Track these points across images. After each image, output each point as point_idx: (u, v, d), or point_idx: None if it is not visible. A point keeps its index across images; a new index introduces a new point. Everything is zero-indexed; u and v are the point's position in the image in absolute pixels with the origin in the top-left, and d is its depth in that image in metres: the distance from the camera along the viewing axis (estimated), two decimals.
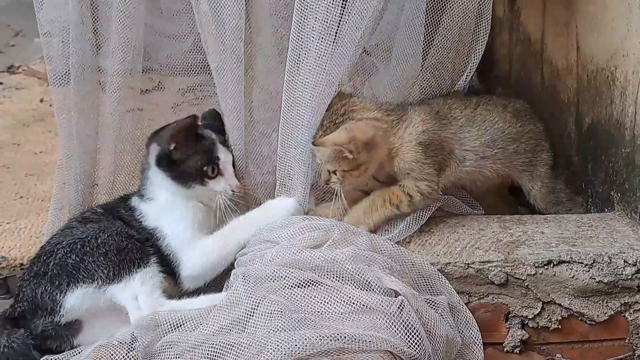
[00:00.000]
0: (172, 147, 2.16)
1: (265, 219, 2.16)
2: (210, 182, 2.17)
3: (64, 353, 1.97)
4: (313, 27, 2.05)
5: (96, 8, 2.31)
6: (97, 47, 2.35)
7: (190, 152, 2.16)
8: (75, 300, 1.98)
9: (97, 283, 1.98)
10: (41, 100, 3.64)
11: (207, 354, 1.75)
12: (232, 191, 2.17)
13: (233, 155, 2.24)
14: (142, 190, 2.21)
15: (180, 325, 1.91)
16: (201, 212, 2.18)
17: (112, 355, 1.87)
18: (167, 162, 2.17)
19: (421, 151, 2.12)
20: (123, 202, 2.24)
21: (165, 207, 2.17)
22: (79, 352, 1.95)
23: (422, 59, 2.32)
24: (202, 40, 2.27)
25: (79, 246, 2.01)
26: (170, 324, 1.92)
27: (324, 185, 2.17)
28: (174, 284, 2.11)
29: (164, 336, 1.88)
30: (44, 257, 2.04)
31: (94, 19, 2.31)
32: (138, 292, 1.98)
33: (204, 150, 2.18)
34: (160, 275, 2.06)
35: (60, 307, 1.98)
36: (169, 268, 2.10)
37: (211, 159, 2.17)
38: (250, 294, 1.86)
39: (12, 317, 2.01)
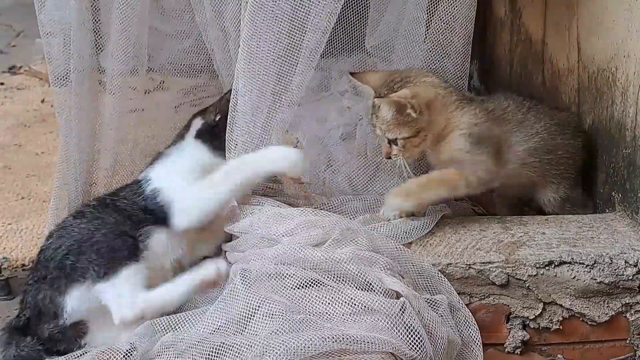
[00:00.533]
0: (217, 118, 2.24)
1: (263, 164, 2.12)
2: None
3: (64, 356, 1.96)
4: None
5: (97, 9, 2.32)
6: (98, 48, 2.35)
7: None
8: (75, 301, 1.98)
9: (88, 282, 1.97)
10: (42, 101, 3.65)
11: (206, 352, 1.75)
12: None
13: None
14: (159, 156, 2.27)
15: (177, 326, 1.91)
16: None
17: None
18: (209, 134, 2.24)
19: (471, 142, 2.11)
20: (121, 190, 2.24)
21: (173, 163, 2.22)
22: (79, 356, 1.95)
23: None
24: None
25: (75, 247, 2.01)
26: (167, 328, 1.92)
27: (386, 158, 2.15)
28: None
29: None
30: (45, 262, 2.04)
31: (94, 20, 2.32)
32: (121, 291, 1.97)
33: None
34: (148, 271, 2.04)
35: (62, 309, 1.98)
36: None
37: None
38: (251, 292, 1.87)
39: (17, 326, 2.01)
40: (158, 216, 2.12)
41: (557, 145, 2.29)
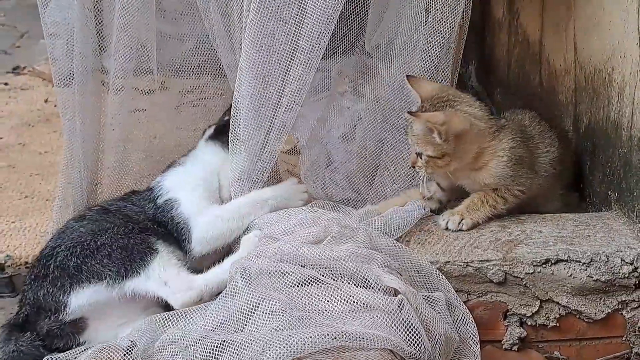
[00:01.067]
0: (226, 118, 2.32)
1: (281, 201, 2.25)
2: None
3: (65, 352, 1.99)
4: None
5: (100, 10, 2.34)
6: (101, 48, 2.38)
7: None
8: (82, 299, 2.01)
9: (107, 282, 2.00)
10: (46, 101, 3.67)
11: (207, 350, 1.77)
12: None
13: None
14: (172, 165, 2.34)
15: (178, 322, 1.94)
16: (214, 190, 2.29)
17: (110, 357, 1.89)
18: (220, 133, 2.33)
19: (511, 166, 2.15)
20: (127, 197, 2.29)
21: (187, 172, 2.29)
22: (81, 352, 1.97)
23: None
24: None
25: (78, 249, 2.04)
26: (168, 325, 1.95)
27: (411, 166, 2.19)
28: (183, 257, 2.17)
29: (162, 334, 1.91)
30: (44, 261, 2.07)
31: (97, 20, 2.34)
32: (165, 278, 2.02)
33: None
34: (176, 255, 2.09)
35: (64, 306, 2.01)
36: (177, 243, 2.17)
37: None
38: (251, 289, 1.88)
39: (17, 323, 2.05)
40: (165, 229, 2.19)
41: (565, 154, 2.33)
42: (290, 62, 2.14)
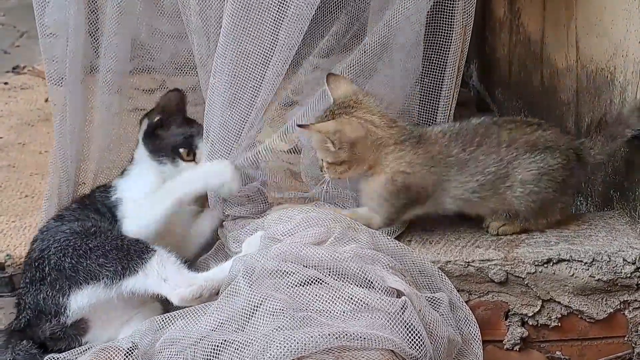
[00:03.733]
0: (156, 118, 2.28)
1: (200, 181, 2.21)
2: (182, 164, 2.24)
3: (65, 353, 1.98)
4: None
5: (94, 10, 2.34)
6: (97, 47, 2.37)
7: (172, 126, 2.26)
8: (81, 300, 2.00)
9: (105, 281, 1.99)
10: (46, 100, 3.65)
11: (208, 350, 1.77)
12: None
13: None
14: (125, 169, 2.33)
15: (179, 322, 1.93)
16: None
17: (110, 358, 1.89)
18: (150, 134, 2.29)
19: (389, 190, 2.07)
20: (98, 191, 2.31)
21: (131, 177, 2.29)
22: (81, 353, 1.97)
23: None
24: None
25: (70, 251, 2.03)
26: (169, 325, 1.94)
27: (320, 170, 2.17)
28: None
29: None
30: (36, 264, 2.06)
31: (92, 20, 2.33)
32: (164, 276, 2.00)
33: (185, 132, 2.26)
34: (175, 254, 2.08)
35: (65, 308, 2.01)
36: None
37: (190, 144, 2.25)
38: (253, 289, 1.88)
39: (18, 328, 2.05)
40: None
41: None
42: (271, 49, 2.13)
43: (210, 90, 2.17)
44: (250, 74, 2.15)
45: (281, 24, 2.09)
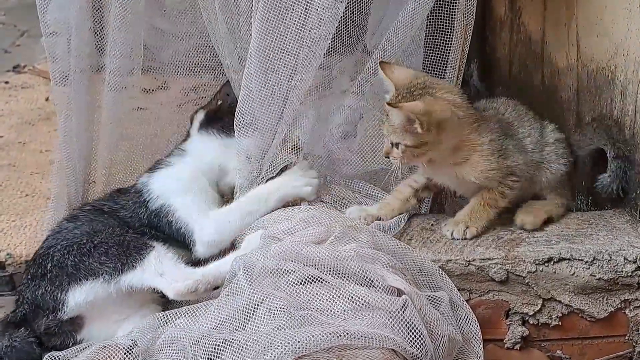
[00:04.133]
0: (219, 103, 2.31)
1: (287, 189, 2.22)
2: None
3: (65, 351, 1.99)
4: None
5: (98, 9, 2.34)
6: (100, 46, 2.37)
7: (233, 104, 2.25)
8: (80, 296, 2.01)
9: (104, 277, 2.00)
10: (46, 99, 3.66)
11: (208, 349, 1.77)
12: None
13: None
14: (159, 163, 2.30)
15: (179, 320, 1.93)
16: (208, 189, 2.27)
17: (111, 356, 1.89)
18: (214, 120, 2.30)
19: (494, 160, 2.09)
20: (116, 196, 2.27)
21: (176, 175, 2.24)
22: (81, 350, 1.97)
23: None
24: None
25: (75, 248, 2.04)
26: (169, 323, 1.94)
27: (385, 156, 2.14)
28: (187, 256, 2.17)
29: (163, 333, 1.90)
30: (40, 260, 2.07)
31: (96, 19, 2.34)
32: (161, 270, 2.01)
33: None
34: (173, 251, 2.09)
35: (62, 304, 2.01)
36: (178, 244, 2.16)
37: None
38: (253, 287, 1.88)
39: (13, 321, 2.05)
40: (162, 232, 2.18)
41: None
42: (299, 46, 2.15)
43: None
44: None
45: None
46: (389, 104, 2.03)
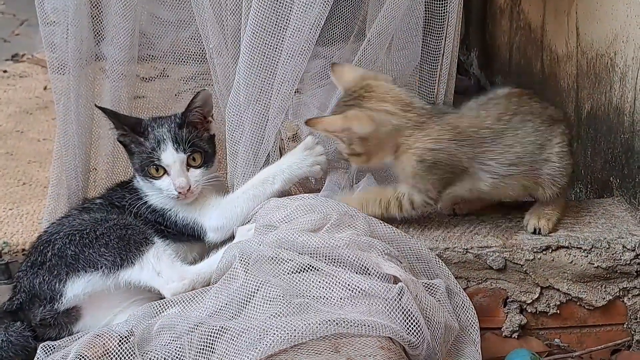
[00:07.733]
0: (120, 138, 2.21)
1: (294, 170, 2.19)
2: (156, 181, 2.15)
3: (60, 340, 1.97)
4: None
5: None
6: (99, 35, 2.37)
7: (135, 149, 2.18)
8: (78, 288, 2.00)
9: (103, 271, 1.99)
10: (45, 88, 3.66)
11: (204, 336, 1.76)
12: (178, 192, 2.11)
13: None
14: None
15: (176, 308, 1.93)
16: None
17: (105, 344, 1.87)
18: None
19: (421, 167, 2.00)
20: (121, 188, 2.26)
21: None
22: (76, 339, 1.96)
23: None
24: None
25: (77, 238, 2.03)
26: (165, 310, 1.94)
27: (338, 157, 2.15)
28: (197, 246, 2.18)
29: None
30: (41, 247, 2.06)
31: (95, 6, 2.33)
32: (158, 269, 2.01)
33: (145, 150, 2.15)
34: (172, 247, 2.09)
35: (60, 295, 2.01)
36: (187, 237, 2.17)
37: (151, 160, 2.13)
38: (249, 275, 1.87)
39: (10, 310, 2.04)
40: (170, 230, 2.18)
41: None
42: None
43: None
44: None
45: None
46: (306, 122, 2.02)
